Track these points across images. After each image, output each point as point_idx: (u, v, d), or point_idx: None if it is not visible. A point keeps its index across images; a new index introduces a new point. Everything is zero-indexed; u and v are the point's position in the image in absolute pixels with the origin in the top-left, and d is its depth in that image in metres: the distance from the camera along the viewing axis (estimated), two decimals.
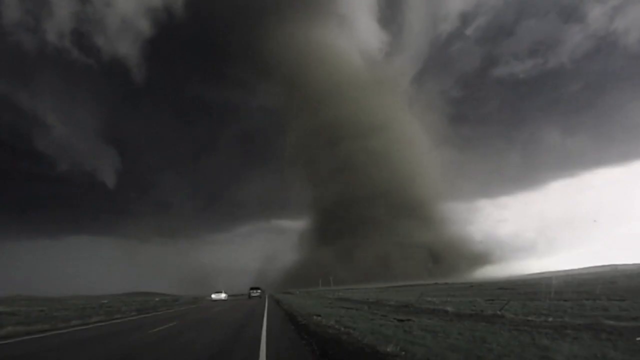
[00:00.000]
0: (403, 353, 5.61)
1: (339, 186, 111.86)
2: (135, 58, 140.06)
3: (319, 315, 12.62)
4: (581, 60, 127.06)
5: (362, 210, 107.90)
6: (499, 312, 10.92)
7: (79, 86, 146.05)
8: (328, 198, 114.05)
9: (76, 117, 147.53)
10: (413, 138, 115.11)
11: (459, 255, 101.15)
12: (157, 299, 60.47)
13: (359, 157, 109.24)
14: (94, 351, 7.97)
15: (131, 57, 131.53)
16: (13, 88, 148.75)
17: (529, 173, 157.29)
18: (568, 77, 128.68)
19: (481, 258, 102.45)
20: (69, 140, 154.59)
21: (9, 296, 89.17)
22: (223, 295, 50.60)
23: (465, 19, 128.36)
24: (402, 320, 10.41)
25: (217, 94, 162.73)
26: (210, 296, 52.05)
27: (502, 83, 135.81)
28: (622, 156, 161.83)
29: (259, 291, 51.31)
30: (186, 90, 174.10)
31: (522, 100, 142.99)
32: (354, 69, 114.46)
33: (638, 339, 6.02)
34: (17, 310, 25.62)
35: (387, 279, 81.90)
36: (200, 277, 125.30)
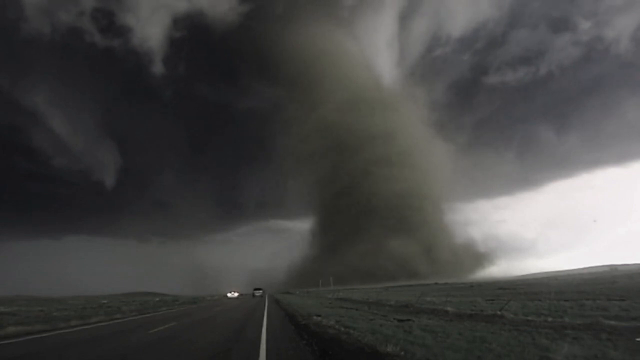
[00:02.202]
0: (403, 353, 5.61)
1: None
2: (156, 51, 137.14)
3: (319, 315, 12.62)
4: (577, 66, 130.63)
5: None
6: (499, 312, 10.92)
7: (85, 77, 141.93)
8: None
9: (78, 114, 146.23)
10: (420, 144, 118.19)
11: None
12: (157, 299, 60.61)
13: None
14: (94, 351, 7.96)
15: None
16: (14, 81, 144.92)
17: (527, 174, 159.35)
18: (564, 83, 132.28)
19: (487, 258, 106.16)
20: (70, 138, 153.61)
21: (8, 296, 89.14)
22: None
23: (464, 42, 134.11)
24: (402, 320, 10.42)
25: (227, 97, 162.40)
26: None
27: (501, 89, 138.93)
28: (621, 157, 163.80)
29: (261, 291, 62.44)
30: (195, 89, 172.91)
31: (519, 104, 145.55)
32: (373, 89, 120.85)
33: (638, 339, 6.02)
34: (17, 311, 25.59)
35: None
36: (200, 278, 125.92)
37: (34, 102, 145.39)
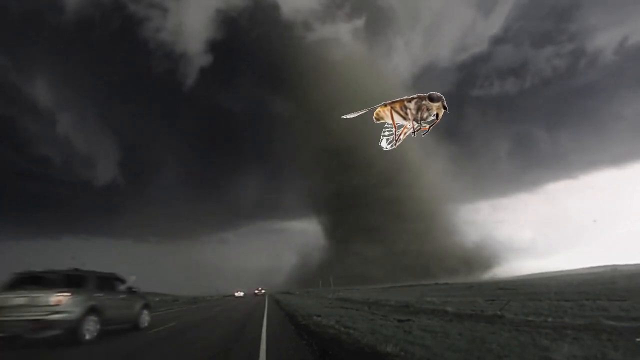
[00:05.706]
0: (403, 353, 5.61)
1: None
2: None
3: (319, 316, 12.62)
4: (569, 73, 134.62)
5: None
6: (498, 313, 10.90)
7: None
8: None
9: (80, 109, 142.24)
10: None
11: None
12: (156, 299, 60.65)
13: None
14: (94, 351, 7.98)
15: None
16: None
17: (525, 175, 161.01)
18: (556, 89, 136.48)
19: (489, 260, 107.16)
20: (72, 133, 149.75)
21: None
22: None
23: (460, 66, 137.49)
24: (402, 321, 10.40)
25: (232, 96, 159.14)
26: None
27: (498, 96, 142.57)
28: (619, 158, 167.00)
29: (262, 291, 68.68)
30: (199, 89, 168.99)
31: (517, 109, 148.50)
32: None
33: (638, 339, 6.02)
34: None
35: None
36: (199, 278, 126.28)
37: (34, 92, 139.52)
